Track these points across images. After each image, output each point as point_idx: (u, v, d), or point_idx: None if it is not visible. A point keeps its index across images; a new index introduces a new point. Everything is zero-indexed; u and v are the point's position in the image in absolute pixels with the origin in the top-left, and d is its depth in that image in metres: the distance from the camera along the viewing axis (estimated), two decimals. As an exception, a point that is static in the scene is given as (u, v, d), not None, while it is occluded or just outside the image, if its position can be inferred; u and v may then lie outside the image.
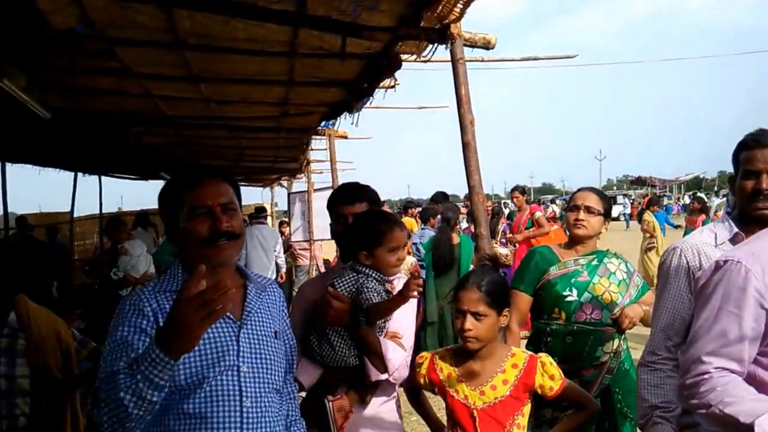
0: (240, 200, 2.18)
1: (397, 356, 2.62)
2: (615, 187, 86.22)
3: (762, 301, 1.75)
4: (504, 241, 10.41)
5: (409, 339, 2.73)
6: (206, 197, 2.04)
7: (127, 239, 8.27)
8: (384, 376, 2.61)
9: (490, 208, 13.69)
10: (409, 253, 8.16)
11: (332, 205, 2.89)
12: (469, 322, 2.52)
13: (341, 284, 2.62)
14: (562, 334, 3.30)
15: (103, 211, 13.65)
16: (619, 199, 49.70)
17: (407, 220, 11.74)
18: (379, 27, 4.03)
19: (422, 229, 8.63)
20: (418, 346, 6.76)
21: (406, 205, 12.81)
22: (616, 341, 3.31)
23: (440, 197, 9.82)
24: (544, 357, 2.64)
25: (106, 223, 9.99)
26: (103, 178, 12.67)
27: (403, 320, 2.73)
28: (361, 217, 2.76)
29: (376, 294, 2.57)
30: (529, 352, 2.71)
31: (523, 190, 10.64)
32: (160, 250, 8.82)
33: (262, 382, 2.06)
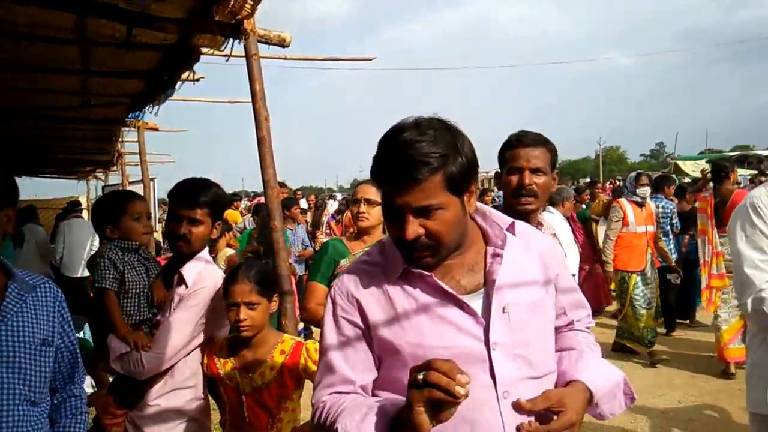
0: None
1: (119, 347, 2.67)
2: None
3: (350, 318, 1.69)
4: (328, 231, 10.61)
5: (173, 341, 2.72)
6: None
7: None
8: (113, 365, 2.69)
9: (313, 201, 13.96)
10: (229, 246, 8.09)
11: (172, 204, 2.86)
12: (244, 313, 2.63)
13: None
14: None
15: None
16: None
17: (231, 213, 11.59)
18: (170, 18, 3.95)
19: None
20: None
21: (231, 198, 12.66)
22: None
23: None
24: (310, 344, 2.76)
25: None
26: None
27: (165, 327, 2.75)
28: (102, 197, 2.88)
29: (108, 263, 2.73)
30: (298, 339, 2.83)
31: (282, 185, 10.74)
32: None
33: (12, 393, 1.93)
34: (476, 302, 1.64)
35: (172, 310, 2.79)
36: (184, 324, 2.74)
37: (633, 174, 7.64)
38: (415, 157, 1.52)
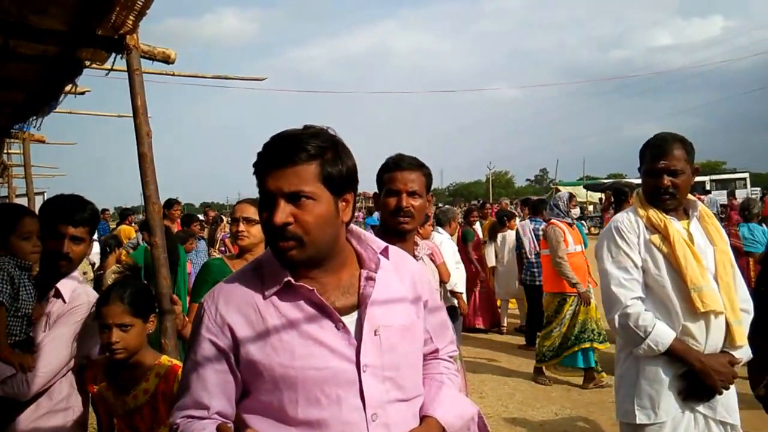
0: None
1: (3, 369, 2.54)
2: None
3: (215, 339, 1.66)
4: (223, 249, 10.50)
5: (56, 358, 2.64)
6: None
7: None
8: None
9: (211, 216, 13.81)
10: (119, 262, 7.89)
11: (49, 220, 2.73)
12: (116, 335, 2.53)
13: None
14: None
15: None
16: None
17: (125, 228, 11.32)
18: (50, 31, 3.91)
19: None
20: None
21: (123, 212, 12.38)
22: None
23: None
24: None
25: None
26: None
27: (46, 344, 2.66)
28: None
29: (6, 276, 2.55)
30: (175, 362, 2.73)
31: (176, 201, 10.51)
32: None
33: None
34: (349, 323, 1.67)
35: (48, 326, 2.69)
36: (67, 340, 2.67)
37: (565, 195, 7.41)
38: (294, 142, 1.61)
